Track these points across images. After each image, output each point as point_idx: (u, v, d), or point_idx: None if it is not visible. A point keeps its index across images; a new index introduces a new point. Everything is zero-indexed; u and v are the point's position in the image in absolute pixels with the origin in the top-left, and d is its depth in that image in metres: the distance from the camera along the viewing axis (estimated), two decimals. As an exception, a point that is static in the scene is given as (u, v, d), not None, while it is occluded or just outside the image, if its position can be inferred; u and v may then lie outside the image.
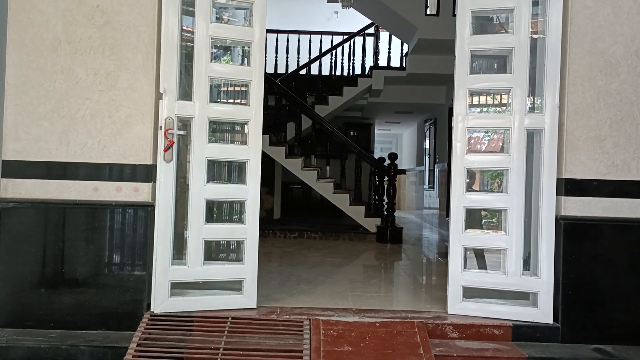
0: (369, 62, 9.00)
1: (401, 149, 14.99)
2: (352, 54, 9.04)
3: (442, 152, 8.82)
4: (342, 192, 7.26)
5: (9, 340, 2.71)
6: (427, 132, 10.68)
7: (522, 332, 2.96)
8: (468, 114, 3.14)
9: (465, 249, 3.14)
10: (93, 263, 2.94)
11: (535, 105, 3.13)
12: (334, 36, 9.44)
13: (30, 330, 2.86)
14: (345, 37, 9.17)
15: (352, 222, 7.25)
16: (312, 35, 9.36)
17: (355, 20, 9.55)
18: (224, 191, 3.14)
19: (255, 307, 3.11)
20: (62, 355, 2.67)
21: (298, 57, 9.20)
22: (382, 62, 8.93)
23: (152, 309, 2.93)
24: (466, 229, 3.13)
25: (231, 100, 3.42)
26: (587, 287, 2.98)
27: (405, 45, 8.49)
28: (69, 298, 2.92)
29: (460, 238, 3.13)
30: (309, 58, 9.09)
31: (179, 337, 2.75)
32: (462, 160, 3.14)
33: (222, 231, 3.16)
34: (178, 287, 3.04)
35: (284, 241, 6.60)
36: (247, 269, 3.11)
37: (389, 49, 8.61)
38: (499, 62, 3.32)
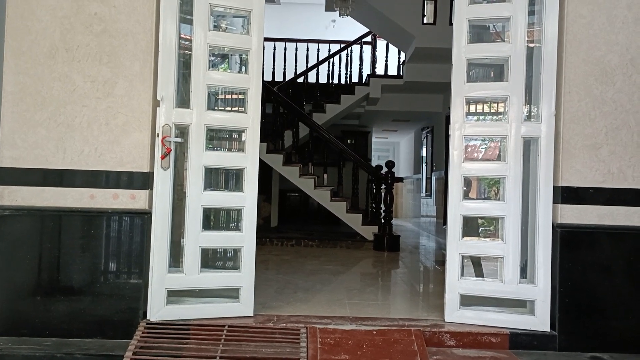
0: (366, 70, 9.03)
1: (398, 157, 15.01)
2: (349, 62, 9.06)
3: (439, 160, 8.84)
4: (340, 200, 7.26)
5: (3, 348, 2.69)
6: (424, 140, 10.71)
7: (520, 340, 2.96)
8: (465, 122, 3.15)
9: (463, 257, 3.15)
10: (89, 271, 2.93)
11: (532, 113, 3.15)
12: (331, 44, 9.48)
13: (26, 339, 2.84)
14: (342, 45, 9.21)
15: (350, 230, 7.25)
16: (309, 44, 9.40)
17: (353, 28, 9.60)
18: (221, 199, 3.14)
19: (252, 315, 3.10)
20: (57, 364, 2.66)
21: (296, 65, 9.22)
22: (380, 70, 8.96)
23: (148, 317, 2.92)
24: (463, 236, 3.13)
25: (229, 108, 3.42)
26: (584, 295, 2.98)
27: (403, 54, 8.53)
28: (65, 306, 2.90)
29: (458, 246, 3.13)
30: (307, 66, 9.11)
31: (176, 345, 2.74)
32: (459, 168, 3.14)
33: (219, 239, 3.15)
34: (174, 295, 3.03)
35: (281, 249, 6.59)
36: (244, 277, 3.10)
37: (386, 57, 8.65)
38: (496, 71, 3.34)
